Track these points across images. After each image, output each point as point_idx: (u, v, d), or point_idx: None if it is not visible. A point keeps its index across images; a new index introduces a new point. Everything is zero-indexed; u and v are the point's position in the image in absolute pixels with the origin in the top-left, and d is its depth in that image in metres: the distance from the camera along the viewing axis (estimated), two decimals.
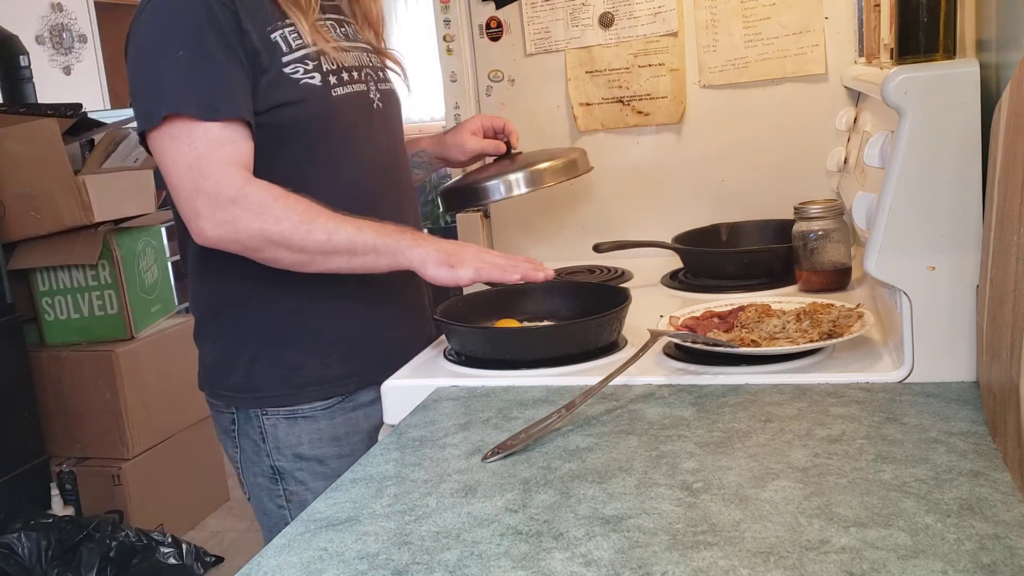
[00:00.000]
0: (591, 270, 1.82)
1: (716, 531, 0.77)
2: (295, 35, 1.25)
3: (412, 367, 1.33)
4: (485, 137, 1.59)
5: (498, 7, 1.96)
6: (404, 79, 1.48)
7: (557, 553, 0.77)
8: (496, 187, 1.53)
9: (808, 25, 1.77)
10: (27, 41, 4.23)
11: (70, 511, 2.90)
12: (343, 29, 1.36)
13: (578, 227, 1.98)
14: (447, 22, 1.98)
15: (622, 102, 1.91)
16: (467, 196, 1.58)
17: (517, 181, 1.54)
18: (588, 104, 1.93)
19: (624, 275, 1.75)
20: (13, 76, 3.95)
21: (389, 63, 1.45)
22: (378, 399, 1.32)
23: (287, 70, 1.23)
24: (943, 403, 1.00)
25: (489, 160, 1.64)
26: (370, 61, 1.37)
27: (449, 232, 3.47)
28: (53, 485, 2.91)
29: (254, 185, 1.18)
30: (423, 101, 6.34)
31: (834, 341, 1.16)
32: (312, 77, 1.24)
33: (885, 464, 0.87)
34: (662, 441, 0.98)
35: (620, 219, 1.95)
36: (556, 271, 1.82)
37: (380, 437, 1.22)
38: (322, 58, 1.26)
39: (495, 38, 1.98)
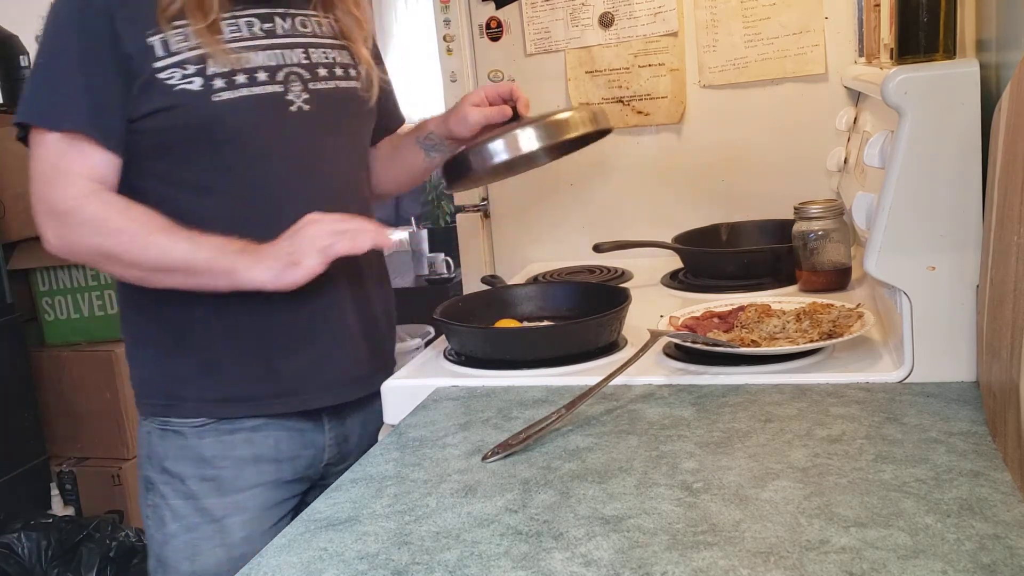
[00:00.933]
0: (591, 270, 1.82)
1: (716, 531, 0.77)
2: (180, 38, 1.16)
3: (412, 367, 1.34)
4: (492, 106, 1.40)
5: (498, 7, 1.96)
6: (363, 77, 1.32)
7: (557, 553, 0.77)
8: (498, 147, 1.28)
9: (808, 25, 1.77)
10: (27, 41, 4.23)
11: (70, 511, 2.90)
12: (268, 25, 1.23)
13: (578, 227, 1.98)
14: (447, 22, 1.98)
15: (622, 102, 1.91)
16: (467, 161, 1.32)
17: (526, 136, 1.28)
18: (588, 104, 1.93)
19: (624, 275, 1.75)
20: (13, 76, 3.95)
21: (356, 59, 1.32)
22: (266, 426, 1.26)
23: (161, 75, 1.15)
24: (943, 403, 1.00)
25: None
26: (306, 58, 1.25)
27: (449, 232, 3.46)
28: (53, 485, 2.91)
29: (93, 199, 1.15)
30: (423, 101, 6.34)
31: (834, 341, 1.16)
32: (190, 82, 1.16)
33: (885, 464, 0.87)
34: (662, 441, 0.98)
35: (620, 219, 1.95)
36: (556, 271, 1.83)
37: (380, 437, 1.22)
38: (208, 61, 1.17)
39: (495, 38, 1.98)
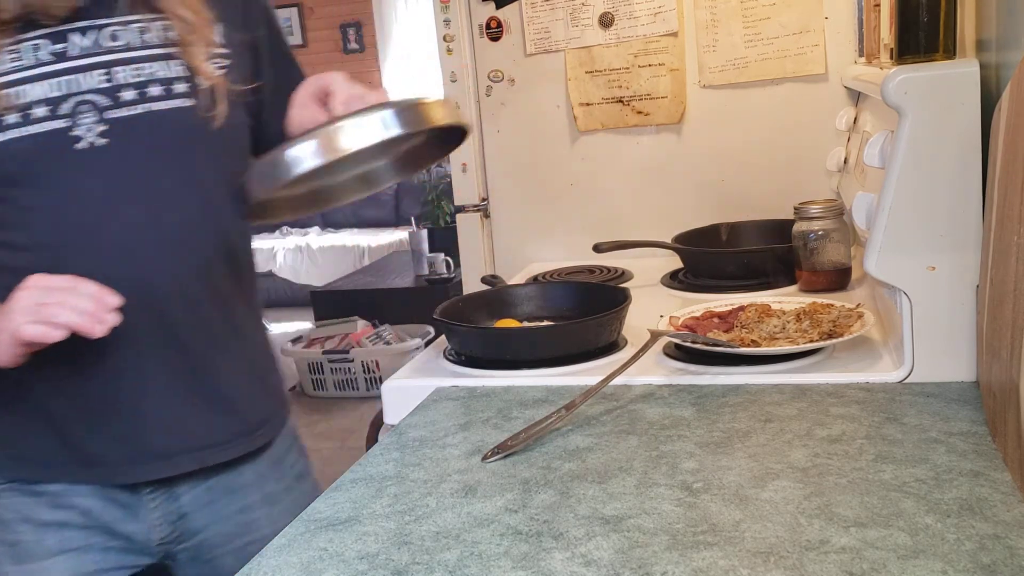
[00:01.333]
0: (591, 270, 1.82)
1: (716, 531, 0.77)
2: None
3: (412, 367, 1.34)
4: (318, 103, 1.12)
5: (498, 7, 1.96)
6: (202, 93, 1.08)
7: (557, 553, 0.77)
8: (269, 170, 0.97)
9: (808, 25, 1.77)
10: None
11: None
12: (59, 46, 1.04)
13: (578, 227, 1.98)
14: (447, 22, 1.98)
15: (622, 102, 1.91)
16: (248, 190, 1.02)
17: (299, 156, 0.94)
18: (588, 104, 1.93)
19: (624, 275, 1.75)
20: None
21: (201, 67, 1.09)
22: (72, 491, 1.09)
23: None
24: (943, 403, 1.00)
25: None
26: (106, 80, 1.04)
27: (449, 232, 3.47)
28: None
29: None
30: None
31: (834, 341, 1.16)
32: None
33: (885, 464, 0.87)
34: (662, 441, 0.98)
35: (620, 219, 1.95)
36: (556, 271, 1.83)
37: (380, 437, 1.22)
38: None
39: (495, 38, 1.98)
